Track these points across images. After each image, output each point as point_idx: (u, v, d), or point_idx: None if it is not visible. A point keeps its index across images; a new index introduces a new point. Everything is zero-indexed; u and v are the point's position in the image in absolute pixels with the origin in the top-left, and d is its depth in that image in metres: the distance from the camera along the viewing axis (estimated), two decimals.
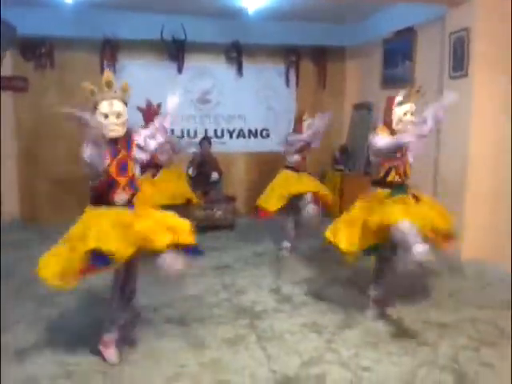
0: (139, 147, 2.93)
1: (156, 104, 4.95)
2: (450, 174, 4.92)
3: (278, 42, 6.91)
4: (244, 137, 7.25)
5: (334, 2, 5.71)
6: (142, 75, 6.47)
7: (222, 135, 7.16)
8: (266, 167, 6.46)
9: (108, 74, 2.84)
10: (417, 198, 3.46)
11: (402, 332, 3.41)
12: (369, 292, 3.68)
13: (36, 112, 6.48)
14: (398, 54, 6.15)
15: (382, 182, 3.47)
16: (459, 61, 4.68)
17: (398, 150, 3.36)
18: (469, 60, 4.56)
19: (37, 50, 6.36)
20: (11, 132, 6.45)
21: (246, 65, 6.99)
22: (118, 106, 2.78)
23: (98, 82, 2.82)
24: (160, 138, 3.01)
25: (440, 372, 2.92)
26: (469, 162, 4.64)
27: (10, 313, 3.71)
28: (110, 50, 6.45)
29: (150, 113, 4.84)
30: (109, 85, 2.78)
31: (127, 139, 2.89)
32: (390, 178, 3.45)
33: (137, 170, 2.99)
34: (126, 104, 2.85)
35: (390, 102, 3.48)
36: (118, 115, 2.79)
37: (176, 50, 6.62)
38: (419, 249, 2.97)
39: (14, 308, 3.83)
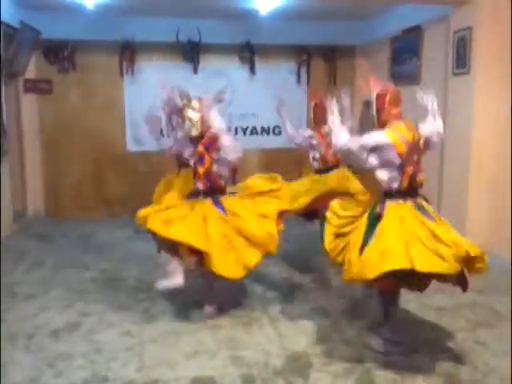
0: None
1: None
2: (453, 169, 5.12)
3: (290, 41, 7.12)
4: (257, 134, 7.51)
5: (344, 2, 5.91)
6: (159, 76, 6.68)
7: (236, 132, 7.41)
8: (278, 163, 6.74)
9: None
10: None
11: (404, 315, 3.62)
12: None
13: (59, 112, 6.81)
14: (405, 51, 6.33)
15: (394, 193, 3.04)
16: (462, 58, 4.88)
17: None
18: (470, 58, 4.76)
19: (59, 53, 6.66)
20: (36, 132, 6.79)
21: (259, 64, 7.23)
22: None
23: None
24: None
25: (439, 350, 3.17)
26: (471, 156, 4.84)
27: (40, 298, 4.05)
28: (128, 52, 6.76)
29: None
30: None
31: (209, 139, 3.59)
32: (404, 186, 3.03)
33: (224, 171, 3.65)
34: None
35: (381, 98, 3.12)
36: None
37: (191, 52, 6.89)
38: (374, 342, 3.20)
39: (43, 294, 4.16)
